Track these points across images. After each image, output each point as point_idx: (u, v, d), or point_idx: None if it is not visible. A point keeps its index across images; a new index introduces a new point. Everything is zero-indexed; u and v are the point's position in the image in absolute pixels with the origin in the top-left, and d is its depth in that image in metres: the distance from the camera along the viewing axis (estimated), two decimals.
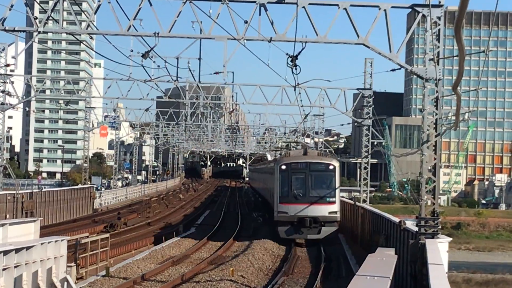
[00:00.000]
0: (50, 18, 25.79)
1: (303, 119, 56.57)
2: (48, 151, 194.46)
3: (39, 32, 25.69)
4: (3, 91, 47.43)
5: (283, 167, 36.89)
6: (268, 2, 24.03)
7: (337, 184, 36.70)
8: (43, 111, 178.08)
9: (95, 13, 26.84)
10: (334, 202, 36.21)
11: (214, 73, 32.75)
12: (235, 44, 25.55)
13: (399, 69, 25.87)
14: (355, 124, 52.30)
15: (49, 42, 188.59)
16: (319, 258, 31.37)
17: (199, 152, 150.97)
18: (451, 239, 24.31)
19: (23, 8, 26.02)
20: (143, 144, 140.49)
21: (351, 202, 41.10)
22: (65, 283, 20.49)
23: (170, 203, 67.76)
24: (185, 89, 57.55)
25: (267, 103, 51.68)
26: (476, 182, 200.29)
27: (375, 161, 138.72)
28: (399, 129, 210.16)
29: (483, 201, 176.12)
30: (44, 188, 56.37)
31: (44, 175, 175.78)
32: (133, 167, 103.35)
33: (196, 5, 24.51)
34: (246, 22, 24.10)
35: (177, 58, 37.85)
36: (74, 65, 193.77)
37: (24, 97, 53.69)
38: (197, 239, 37.61)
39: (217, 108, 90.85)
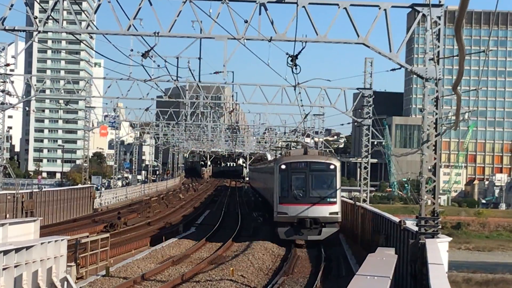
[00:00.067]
0: (50, 17, 25.77)
1: (303, 119, 56.48)
2: (48, 150, 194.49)
3: (39, 32, 25.67)
4: (3, 91, 47.42)
5: (283, 166, 36.33)
6: (268, 2, 24.02)
7: (338, 184, 36.16)
8: (43, 111, 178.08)
9: (95, 12, 26.83)
10: (335, 203, 35.66)
11: (214, 73, 32.75)
12: (235, 43, 25.59)
13: (399, 68, 25.87)
14: (355, 123, 52.29)
15: (49, 42, 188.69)
16: (319, 258, 31.36)
17: (199, 151, 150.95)
18: (451, 238, 24.30)
19: (23, 7, 26.04)
20: (143, 143, 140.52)
21: (351, 202, 41.06)
22: (65, 282, 20.48)
23: (170, 203, 67.77)
24: (185, 88, 57.52)
25: (267, 103, 51.67)
26: (476, 182, 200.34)
27: (375, 160, 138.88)
28: (399, 128, 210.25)
29: (483, 201, 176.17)
30: (44, 188, 56.33)
31: (44, 174, 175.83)
32: (133, 167, 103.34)
33: (196, 5, 24.51)
34: (246, 21, 24.10)
35: (177, 58, 37.85)
36: (74, 65, 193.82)
37: (24, 96, 53.67)
38: (197, 239, 37.59)
39: (217, 108, 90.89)
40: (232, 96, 58.12)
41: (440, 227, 22.93)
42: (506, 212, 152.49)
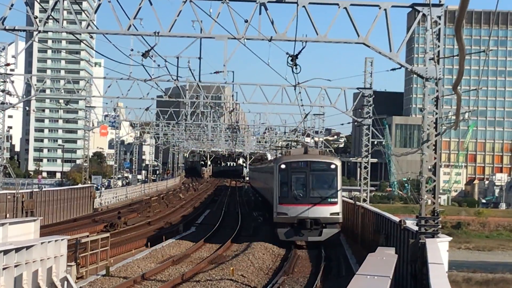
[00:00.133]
0: (50, 17, 25.78)
1: (303, 119, 56.44)
2: (48, 150, 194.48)
3: (39, 32, 25.67)
4: (3, 91, 47.42)
5: (283, 166, 35.65)
6: (268, 1, 24.03)
7: (339, 184, 35.54)
8: (43, 111, 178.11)
9: (95, 12, 26.84)
10: (336, 203, 35.06)
11: (214, 73, 32.78)
12: (236, 43, 25.60)
13: (399, 68, 25.87)
14: (355, 123, 52.29)
15: (49, 41, 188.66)
16: (319, 258, 31.32)
17: (199, 151, 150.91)
18: (451, 238, 24.31)
19: (23, 7, 26.04)
20: (143, 143, 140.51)
21: (351, 201, 41.03)
22: (65, 282, 20.47)
23: (170, 203, 67.74)
24: (185, 88, 57.50)
25: (267, 103, 51.65)
26: (476, 181, 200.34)
27: (375, 160, 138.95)
28: (399, 128, 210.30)
29: (483, 201, 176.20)
30: (44, 187, 56.34)
31: (44, 174, 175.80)
32: (133, 167, 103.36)
33: (196, 4, 24.52)
34: (246, 21, 24.11)
35: (177, 58, 37.88)
36: (74, 65, 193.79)
37: (24, 96, 53.67)
38: (197, 239, 37.56)
39: (217, 108, 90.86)
40: (232, 95, 58.12)
41: (440, 226, 22.94)
42: (506, 211, 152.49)
